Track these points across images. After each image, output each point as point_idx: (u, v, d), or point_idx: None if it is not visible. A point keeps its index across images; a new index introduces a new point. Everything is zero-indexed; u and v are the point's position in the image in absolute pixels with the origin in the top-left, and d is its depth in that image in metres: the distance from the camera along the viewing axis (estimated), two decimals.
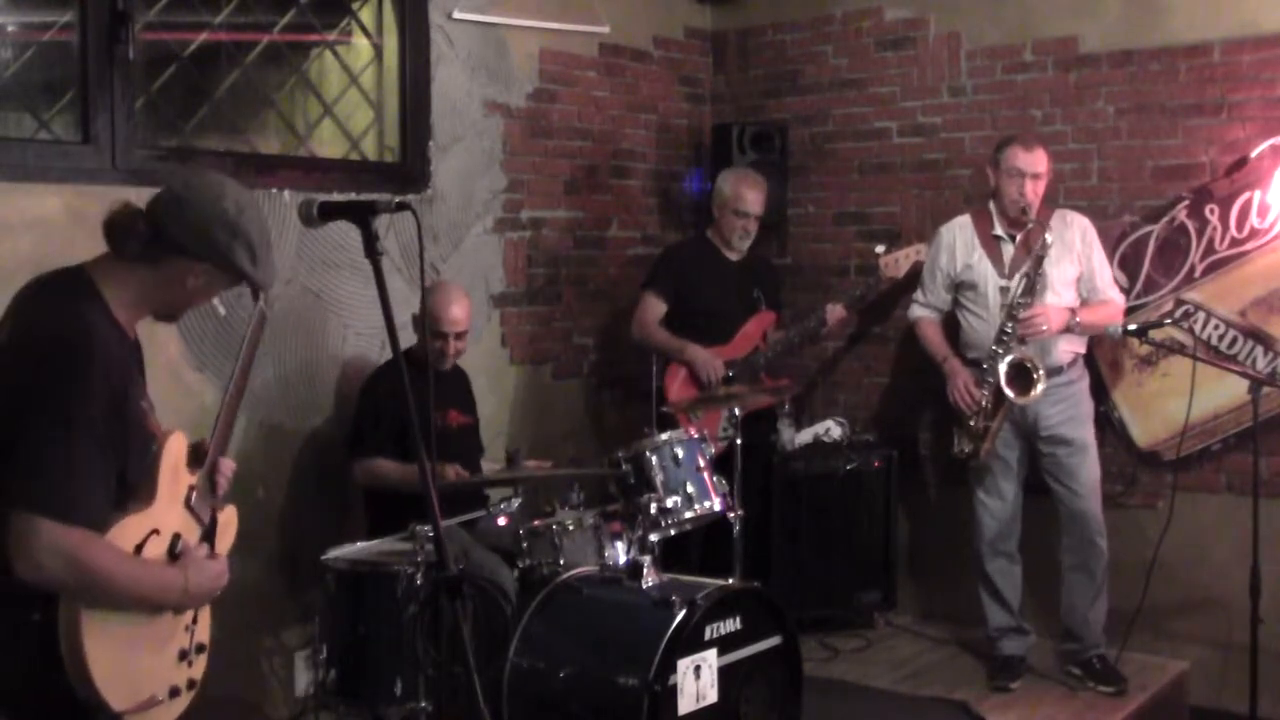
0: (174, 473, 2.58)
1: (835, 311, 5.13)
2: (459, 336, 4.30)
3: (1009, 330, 4.46)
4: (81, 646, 2.32)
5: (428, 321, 4.17)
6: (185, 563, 2.51)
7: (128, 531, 2.44)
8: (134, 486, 2.49)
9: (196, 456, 2.72)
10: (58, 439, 2.29)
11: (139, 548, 2.45)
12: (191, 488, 2.63)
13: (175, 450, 2.59)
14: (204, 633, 2.68)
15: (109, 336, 2.41)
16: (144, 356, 2.66)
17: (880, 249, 5.22)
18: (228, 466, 2.76)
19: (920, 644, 5.24)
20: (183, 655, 2.59)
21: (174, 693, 2.54)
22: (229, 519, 2.81)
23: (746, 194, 5.10)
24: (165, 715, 2.54)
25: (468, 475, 4.17)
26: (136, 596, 2.42)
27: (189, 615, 2.61)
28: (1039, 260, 4.44)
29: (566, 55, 5.39)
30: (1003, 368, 4.43)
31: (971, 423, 4.59)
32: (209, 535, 2.68)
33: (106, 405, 2.35)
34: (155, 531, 2.49)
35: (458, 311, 4.26)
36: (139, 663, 2.46)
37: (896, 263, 5.14)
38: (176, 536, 2.54)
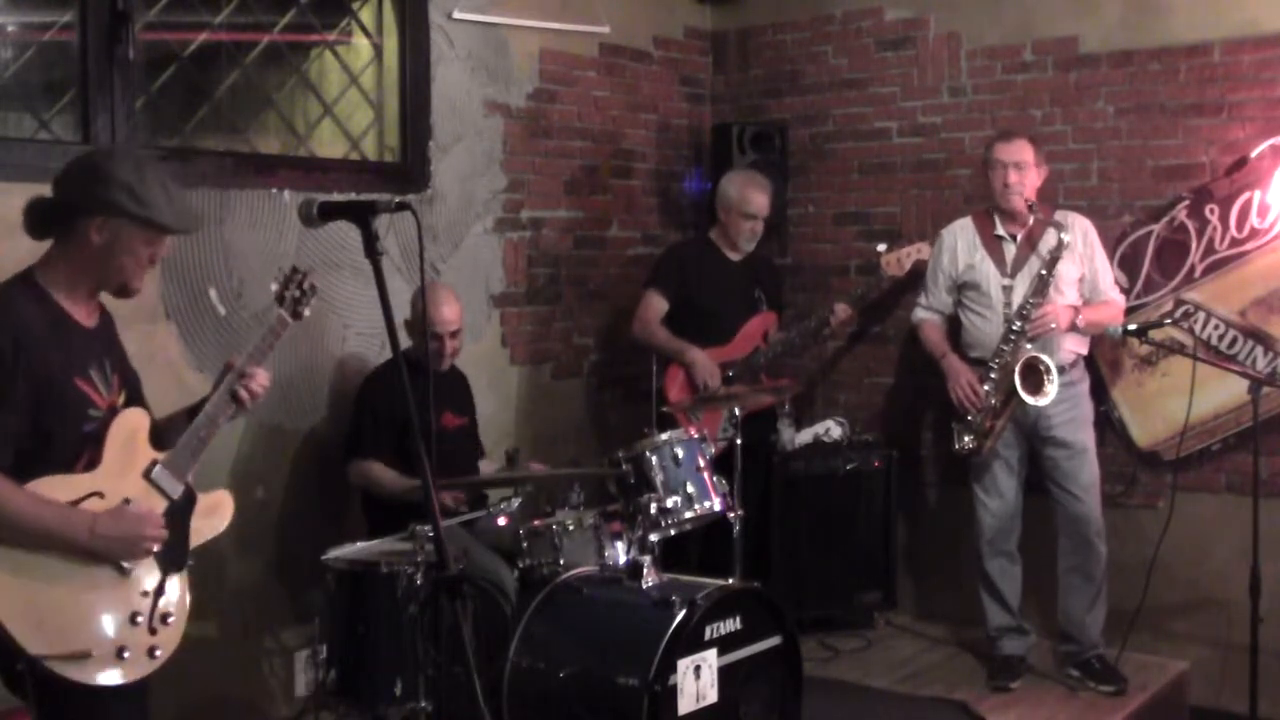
0: (128, 444, 2.74)
1: (840, 313, 5.12)
2: (454, 335, 4.31)
3: (1017, 329, 4.46)
4: None
5: (422, 325, 4.16)
6: (100, 508, 2.64)
7: (60, 487, 2.61)
8: (71, 451, 2.65)
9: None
10: None
11: (74, 504, 2.61)
12: (155, 461, 2.77)
13: (130, 424, 2.77)
14: (174, 604, 2.76)
15: (19, 307, 2.62)
16: (115, 345, 2.87)
17: (882, 247, 5.22)
18: (262, 378, 2.93)
19: (920, 644, 5.24)
20: (134, 618, 2.67)
21: (120, 653, 2.62)
22: (218, 502, 2.94)
23: (754, 196, 5.09)
24: (111, 674, 2.61)
25: (463, 497, 4.19)
26: (29, 525, 2.54)
27: (149, 580, 2.71)
28: (1054, 260, 4.44)
29: (566, 55, 5.38)
30: (1019, 366, 4.43)
31: (972, 419, 4.58)
32: (179, 509, 2.79)
33: None
34: (98, 494, 2.65)
35: (449, 312, 4.27)
36: (64, 612, 2.57)
37: (898, 261, 5.14)
38: (125, 502, 2.69)
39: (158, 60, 4.13)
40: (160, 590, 2.73)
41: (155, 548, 2.71)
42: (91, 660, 2.57)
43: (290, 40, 4.55)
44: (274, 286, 3.08)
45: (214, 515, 2.94)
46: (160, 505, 2.76)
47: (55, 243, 2.71)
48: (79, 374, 2.68)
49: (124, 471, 2.72)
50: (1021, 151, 4.56)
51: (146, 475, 2.76)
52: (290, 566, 4.33)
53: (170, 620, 2.75)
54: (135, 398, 2.89)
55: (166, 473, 2.78)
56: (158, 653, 2.71)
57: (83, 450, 2.68)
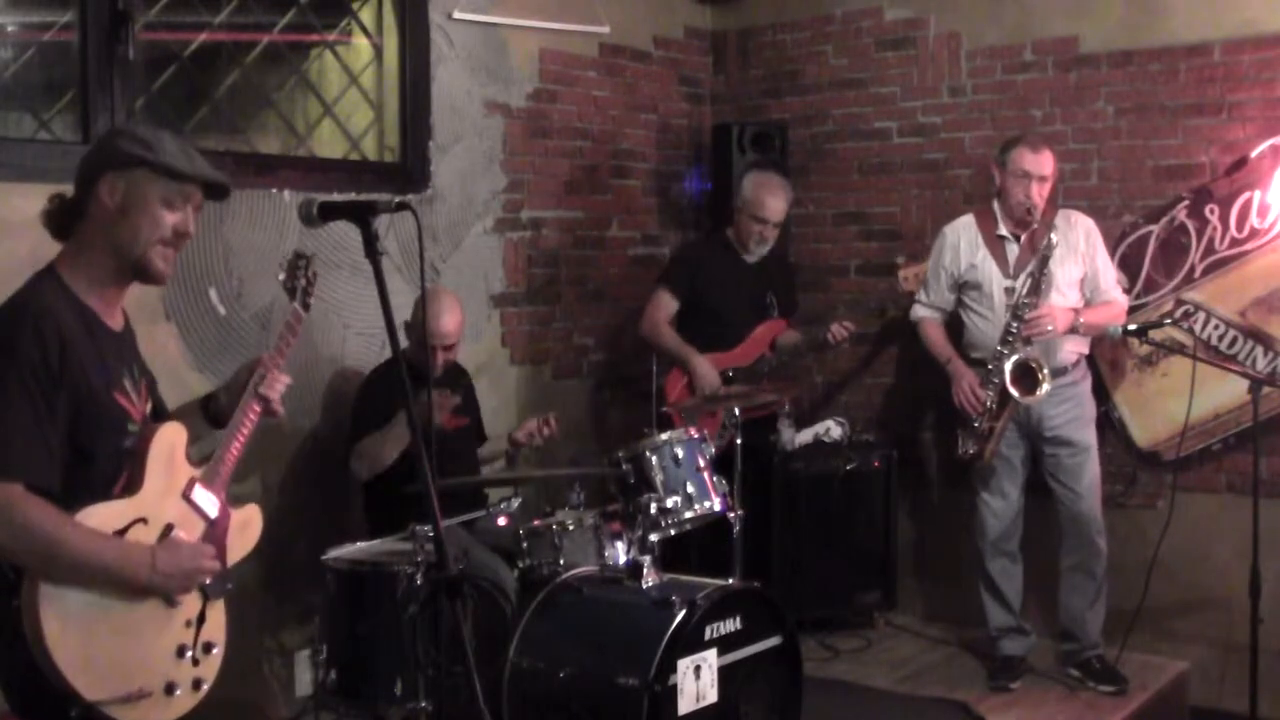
0: (168, 463, 2.56)
1: (836, 334, 5.07)
2: (448, 348, 4.25)
3: (1014, 330, 4.45)
4: (40, 627, 2.31)
5: (419, 332, 4.16)
6: (148, 537, 2.48)
7: (104, 517, 2.43)
8: (111, 471, 2.49)
9: (210, 414, 2.77)
10: None
11: (120, 534, 2.44)
12: (193, 480, 2.61)
13: (169, 440, 2.58)
14: (215, 631, 2.64)
15: (59, 312, 2.42)
16: (136, 349, 2.69)
17: (900, 260, 5.20)
18: (280, 381, 2.78)
19: (920, 644, 5.24)
20: (182, 651, 2.55)
21: (170, 689, 2.50)
22: (249, 518, 2.78)
23: (767, 200, 5.02)
24: (162, 712, 2.51)
25: (459, 400, 4.20)
26: (89, 565, 2.38)
27: (191, 610, 2.58)
28: (1044, 260, 4.43)
29: (566, 55, 5.39)
30: (1008, 367, 4.43)
31: (976, 424, 4.58)
32: (218, 530, 2.64)
33: (44, 374, 2.36)
34: (142, 520, 2.48)
35: (448, 324, 4.19)
36: (119, 653, 2.43)
37: (915, 276, 5.08)
38: (169, 528, 2.53)
39: (158, 60, 4.13)
40: (202, 618, 2.60)
41: (209, 580, 2.58)
42: (146, 701, 2.45)
43: (290, 40, 4.55)
44: (280, 276, 2.88)
45: (245, 532, 2.76)
46: (200, 527, 2.61)
47: (75, 233, 2.53)
48: (117, 387, 2.52)
49: (165, 493, 2.55)
50: (1048, 165, 4.54)
51: (185, 495, 2.59)
52: (290, 566, 4.32)
53: (214, 650, 2.62)
54: (157, 402, 2.74)
55: (205, 491, 2.62)
56: (203, 685, 2.59)
57: (120, 469, 2.51)
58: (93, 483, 2.46)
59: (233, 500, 2.74)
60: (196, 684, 2.58)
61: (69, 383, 2.40)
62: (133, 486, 2.50)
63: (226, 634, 2.69)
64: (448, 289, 4.58)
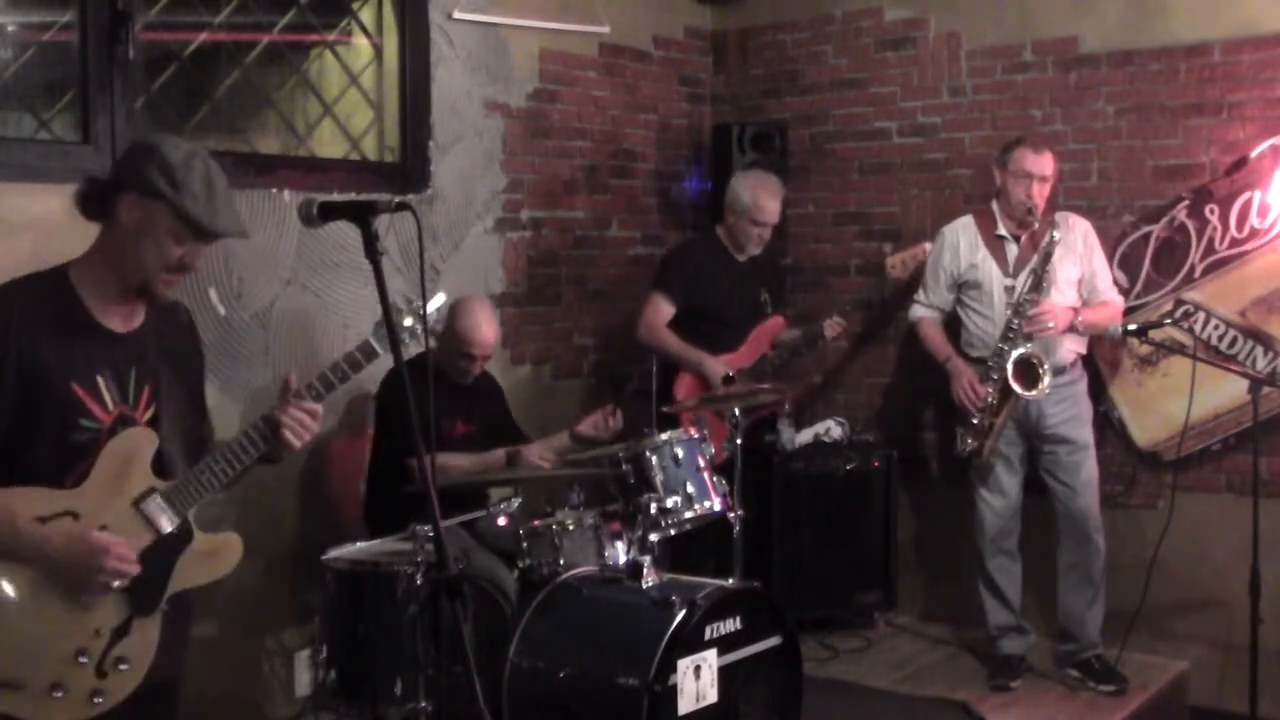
0: (122, 466, 2.53)
1: (830, 329, 5.06)
2: (485, 357, 4.29)
3: (1015, 326, 4.46)
4: None
5: (455, 340, 4.16)
6: (61, 528, 2.44)
7: (31, 499, 2.43)
8: (55, 459, 2.48)
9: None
10: None
11: (42, 521, 2.43)
12: (153, 490, 2.56)
13: (129, 444, 2.55)
14: (136, 650, 2.53)
15: (35, 302, 2.48)
16: (159, 354, 2.65)
17: (889, 248, 5.19)
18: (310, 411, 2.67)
19: (920, 644, 5.24)
20: (81, 654, 2.47)
21: (54, 689, 2.44)
22: (220, 547, 2.70)
23: (767, 203, 5.01)
24: (35, 710, 2.43)
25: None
26: None
27: (109, 619, 2.50)
28: (1047, 256, 4.43)
29: (566, 55, 5.39)
30: (1010, 363, 4.43)
31: (976, 420, 4.58)
32: (165, 547, 2.56)
33: None
34: (72, 514, 2.46)
35: (488, 334, 4.24)
36: (6, 637, 2.39)
37: (903, 264, 5.09)
38: (102, 528, 2.48)
39: (158, 60, 4.13)
40: (122, 631, 2.50)
41: (115, 583, 2.46)
42: (22, 693, 2.39)
43: (290, 40, 4.55)
44: (407, 321, 2.80)
45: (214, 559, 2.68)
46: (144, 539, 2.53)
47: (98, 234, 2.57)
48: (79, 378, 2.49)
49: (110, 495, 2.50)
50: (1049, 166, 4.57)
51: (138, 503, 2.54)
52: (290, 566, 4.32)
53: (125, 667, 2.50)
54: (173, 412, 2.66)
55: (162, 504, 2.55)
56: (98, 699, 2.47)
57: (71, 463, 2.49)
58: (33, 469, 2.46)
59: (206, 525, 2.66)
60: (92, 695, 2.47)
61: (16, 360, 2.43)
62: (76, 481, 2.49)
63: (155, 658, 2.56)
64: (480, 298, 4.53)
